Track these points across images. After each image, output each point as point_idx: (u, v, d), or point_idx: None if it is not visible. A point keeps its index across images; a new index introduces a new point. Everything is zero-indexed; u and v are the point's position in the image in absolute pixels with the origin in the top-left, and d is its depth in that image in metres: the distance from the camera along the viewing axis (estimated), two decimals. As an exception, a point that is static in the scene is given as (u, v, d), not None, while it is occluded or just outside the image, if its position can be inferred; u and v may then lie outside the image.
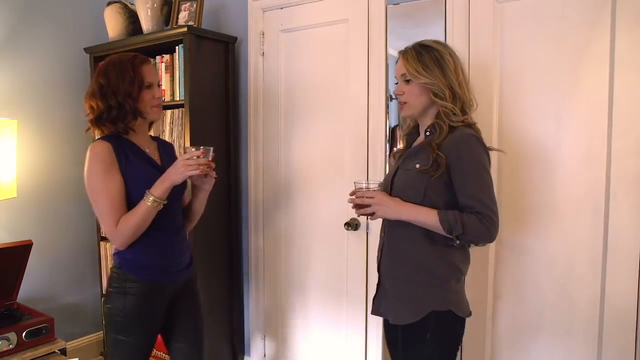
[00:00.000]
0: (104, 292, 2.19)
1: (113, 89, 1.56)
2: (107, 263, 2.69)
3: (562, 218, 1.74)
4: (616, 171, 1.64)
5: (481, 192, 1.37)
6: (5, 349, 2.02)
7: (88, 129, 1.68)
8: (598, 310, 1.70)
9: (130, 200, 1.59)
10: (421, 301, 1.44)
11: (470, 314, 1.51)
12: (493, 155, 1.83)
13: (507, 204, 1.84)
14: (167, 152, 1.79)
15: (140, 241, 1.60)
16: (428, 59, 1.44)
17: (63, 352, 2.19)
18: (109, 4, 2.60)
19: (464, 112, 1.45)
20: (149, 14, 2.44)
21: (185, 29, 2.24)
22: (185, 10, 2.41)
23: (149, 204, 1.53)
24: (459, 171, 1.38)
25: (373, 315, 1.63)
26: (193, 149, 1.56)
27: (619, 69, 1.61)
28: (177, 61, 2.35)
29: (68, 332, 2.68)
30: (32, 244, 2.20)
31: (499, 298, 1.89)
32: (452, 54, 1.46)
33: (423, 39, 1.51)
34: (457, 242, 1.39)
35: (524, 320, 1.84)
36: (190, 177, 1.58)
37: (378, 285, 1.60)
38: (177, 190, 1.65)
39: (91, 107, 1.60)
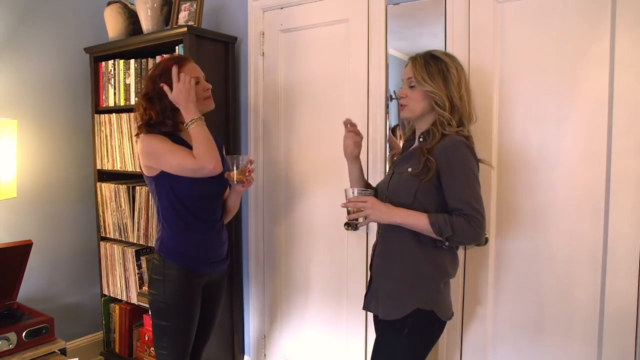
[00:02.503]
0: (146, 280, 2.29)
1: (158, 94, 1.68)
2: (107, 263, 2.69)
3: (562, 218, 1.74)
4: (616, 171, 1.64)
5: (469, 195, 1.42)
6: (5, 348, 2.02)
7: (137, 134, 1.75)
8: (598, 310, 1.70)
9: (175, 194, 1.70)
10: (406, 299, 1.50)
11: (450, 317, 1.57)
12: (494, 155, 1.85)
13: (508, 203, 1.84)
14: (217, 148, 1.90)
15: (181, 229, 1.72)
16: (435, 69, 1.50)
17: (63, 352, 2.19)
18: (109, 4, 2.60)
19: (461, 124, 1.51)
20: (149, 13, 2.44)
21: (185, 29, 2.24)
22: (185, 10, 2.41)
23: (193, 127, 1.62)
24: (447, 175, 1.44)
25: (370, 313, 1.66)
26: (228, 157, 1.70)
27: (619, 69, 1.61)
28: (177, 61, 2.35)
29: (68, 332, 2.69)
30: (32, 244, 2.20)
31: (499, 298, 1.89)
32: (458, 68, 1.53)
33: (434, 49, 1.57)
34: (447, 243, 1.44)
35: (524, 319, 1.84)
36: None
37: (369, 282, 1.68)
38: (221, 185, 1.78)
39: (142, 115, 1.71)
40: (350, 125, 1.73)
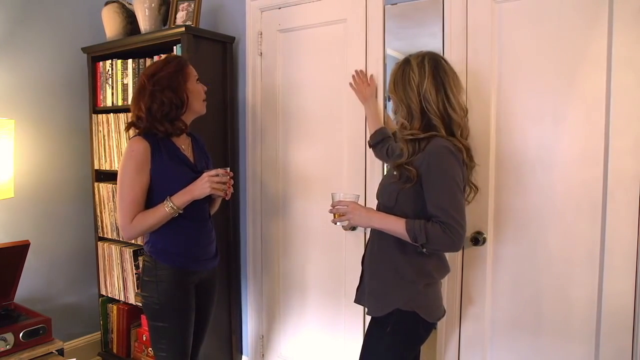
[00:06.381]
0: (139, 282, 2.28)
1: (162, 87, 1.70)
2: (105, 263, 2.69)
3: (560, 218, 1.75)
4: (614, 171, 1.64)
5: (447, 203, 1.41)
6: (2, 349, 2.01)
7: (128, 129, 1.77)
8: (596, 309, 1.70)
9: (153, 195, 1.70)
10: (388, 298, 1.53)
11: (440, 318, 1.57)
12: (491, 155, 1.85)
13: (506, 203, 1.84)
14: (199, 147, 1.89)
15: (169, 230, 1.72)
16: (399, 75, 1.52)
17: (61, 352, 2.18)
18: (106, 3, 2.60)
19: (429, 128, 1.47)
20: (147, 13, 2.44)
21: (183, 29, 2.24)
22: (183, 10, 2.40)
23: (167, 209, 1.66)
24: (428, 182, 1.44)
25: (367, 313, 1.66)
26: (219, 169, 1.69)
27: (616, 68, 1.62)
28: (175, 61, 2.35)
29: (66, 332, 2.68)
30: (29, 244, 2.20)
31: (497, 297, 1.89)
32: (421, 70, 1.47)
33: (415, 52, 1.55)
34: (424, 250, 1.44)
35: (522, 319, 1.84)
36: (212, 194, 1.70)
37: (361, 277, 1.70)
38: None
39: (140, 109, 1.71)
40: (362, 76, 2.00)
